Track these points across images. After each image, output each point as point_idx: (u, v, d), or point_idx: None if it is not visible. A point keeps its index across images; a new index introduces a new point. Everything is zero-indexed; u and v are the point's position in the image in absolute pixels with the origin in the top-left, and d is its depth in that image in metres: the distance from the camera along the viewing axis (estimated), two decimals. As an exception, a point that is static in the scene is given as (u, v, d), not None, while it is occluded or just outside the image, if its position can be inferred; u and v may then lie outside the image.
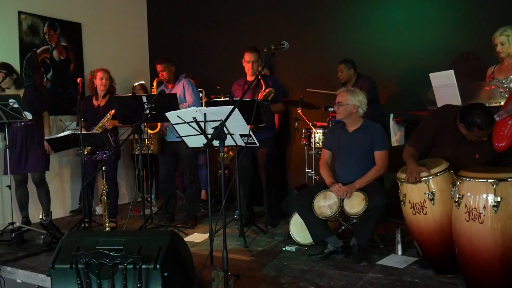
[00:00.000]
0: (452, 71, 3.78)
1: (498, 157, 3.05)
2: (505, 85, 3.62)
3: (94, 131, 4.70)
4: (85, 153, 4.85)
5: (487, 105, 3.48)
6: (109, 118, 4.78)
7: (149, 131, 4.71)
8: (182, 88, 4.75)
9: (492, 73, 3.81)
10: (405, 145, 3.37)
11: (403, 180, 3.09)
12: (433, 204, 2.95)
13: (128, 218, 4.42)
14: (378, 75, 4.90)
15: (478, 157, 3.09)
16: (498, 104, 3.57)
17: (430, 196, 2.95)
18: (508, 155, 3.01)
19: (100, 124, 4.79)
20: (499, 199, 2.57)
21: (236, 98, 4.28)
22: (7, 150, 4.47)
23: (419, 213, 3.03)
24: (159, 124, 4.66)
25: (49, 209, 4.81)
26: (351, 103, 3.72)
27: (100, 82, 4.88)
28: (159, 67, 4.74)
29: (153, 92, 4.87)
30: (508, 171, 2.70)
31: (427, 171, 2.97)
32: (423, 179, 2.97)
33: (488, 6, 4.55)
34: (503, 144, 2.64)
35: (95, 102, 4.98)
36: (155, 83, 4.86)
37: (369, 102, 4.19)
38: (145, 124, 4.50)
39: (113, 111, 4.72)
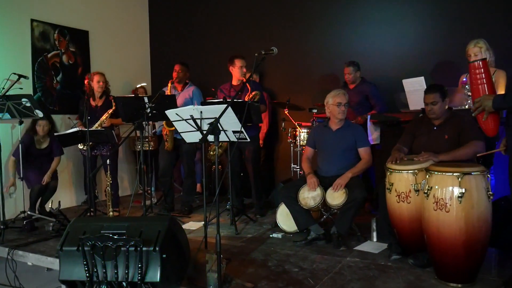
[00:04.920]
0: (422, 78, 3.83)
1: (463, 137, 3.13)
2: None
3: (93, 129, 4.69)
4: (85, 149, 4.86)
5: (453, 108, 3.56)
6: (107, 117, 4.78)
7: (167, 128, 4.70)
8: (191, 93, 4.78)
9: (465, 80, 3.86)
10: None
11: (391, 170, 3.13)
12: (417, 195, 2.97)
13: (129, 208, 4.40)
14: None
15: (447, 137, 3.17)
16: (466, 108, 3.64)
17: (415, 188, 2.98)
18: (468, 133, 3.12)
19: (98, 122, 4.77)
20: (463, 191, 2.60)
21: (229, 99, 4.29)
22: (20, 145, 4.44)
23: (403, 201, 3.05)
24: None
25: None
26: (347, 104, 3.78)
27: (97, 85, 4.89)
28: (178, 67, 4.80)
29: (167, 92, 4.80)
30: (471, 166, 2.75)
31: (404, 156, 3.20)
32: (410, 171, 3.01)
33: (462, 19, 4.60)
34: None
35: (92, 103, 4.97)
36: (170, 84, 4.82)
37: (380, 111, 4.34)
38: (164, 122, 4.63)
39: (111, 110, 4.78)
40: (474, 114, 2.64)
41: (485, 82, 2.65)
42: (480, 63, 2.69)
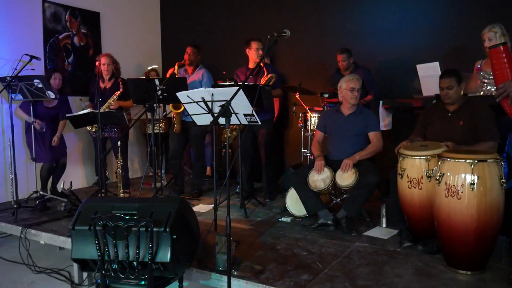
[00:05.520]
0: (437, 63, 3.76)
1: (478, 130, 3.11)
2: (492, 77, 3.60)
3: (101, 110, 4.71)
4: (93, 130, 4.90)
5: (468, 95, 3.50)
6: (114, 99, 4.79)
7: (174, 111, 4.70)
8: (201, 76, 4.77)
9: (479, 66, 3.78)
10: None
11: (404, 156, 3.11)
12: (429, 181, 2.95)
13: (140, 189, 4.43)
14: (370, 66, 4.87)
15: (462, 123, 3.15)
16: (479, 94, 3.58)
17: (427, 174, 2.96)
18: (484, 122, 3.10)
19: (106, 104, 4.79)
20: (476, 178, 2.57)
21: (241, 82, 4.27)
22: (32, 125, 4.49)
23: (415, 187, 3.03)
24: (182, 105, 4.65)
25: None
26: (360, 90, 3.75)
27: (103, 67, 4.88)
28: (189, 50, 4.78)
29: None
30: (485, 153, 2.72)
31: (403, 144, 3.26)
32: (422, 157, 2.99)
33: (477, 5, 4.49)
34: None
35: (101, 85, 4.98)
36: (176, 66, 4.79)
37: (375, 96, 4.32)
38: (171, 105, 4.61)
39: (118, 92, 4.78)
40: (499, 99, 2.59)
41: (507, 67, 2.59)
42: (502, 47, 2.62)
